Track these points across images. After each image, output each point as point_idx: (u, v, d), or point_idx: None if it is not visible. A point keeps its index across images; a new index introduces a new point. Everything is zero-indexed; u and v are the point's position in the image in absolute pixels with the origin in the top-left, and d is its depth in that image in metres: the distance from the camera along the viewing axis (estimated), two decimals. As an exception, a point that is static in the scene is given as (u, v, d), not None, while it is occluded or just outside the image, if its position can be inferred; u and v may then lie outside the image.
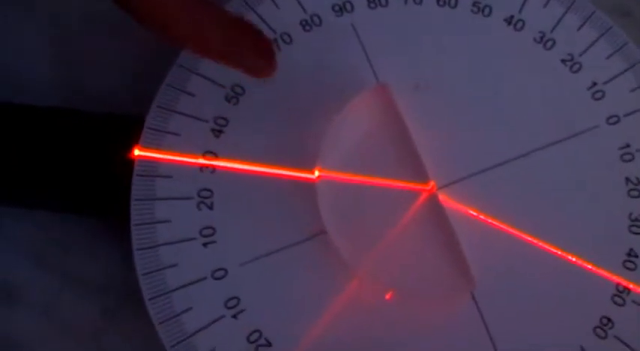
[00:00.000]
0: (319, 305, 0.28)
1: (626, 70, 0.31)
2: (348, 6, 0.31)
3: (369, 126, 0.29)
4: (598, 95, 0.31)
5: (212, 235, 0.28)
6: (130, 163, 0.29)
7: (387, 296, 0.28)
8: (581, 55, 0.31)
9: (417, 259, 0.28)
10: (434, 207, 0.28)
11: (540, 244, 0.29)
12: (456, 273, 0.28)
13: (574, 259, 0.29)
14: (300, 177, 0.28)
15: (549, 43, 0.31)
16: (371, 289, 0.28)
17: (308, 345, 0.27)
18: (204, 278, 0.28)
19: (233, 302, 0.28)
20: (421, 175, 0.29)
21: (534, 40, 0.31)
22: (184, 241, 0.28)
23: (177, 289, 0.28)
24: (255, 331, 0.27)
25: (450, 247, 0.28)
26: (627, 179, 0.30)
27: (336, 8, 0.31)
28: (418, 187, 0.29)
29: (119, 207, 0.29)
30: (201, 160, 0.29)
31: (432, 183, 0.29)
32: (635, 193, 0.30)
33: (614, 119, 0.31)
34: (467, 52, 0.31)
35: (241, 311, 0.28)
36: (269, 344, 0.27)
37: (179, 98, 0.30)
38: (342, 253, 0.27)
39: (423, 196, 0.29)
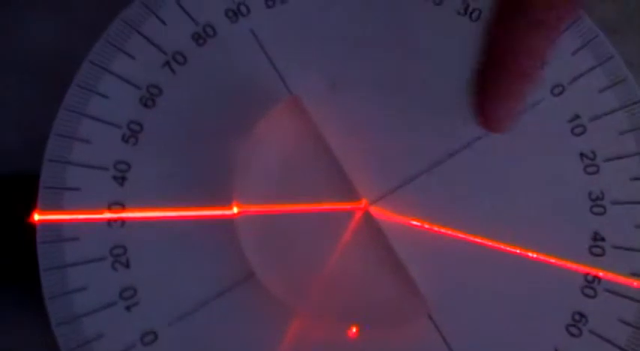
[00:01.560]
0: (263, 352, 0.25)
1: (566, 29, 0.28)
2: (244, 9, 0.27)
3: (285, 146, 0.26)
4: (537, 64, 0.27)
5: (134, 296, 0.26)
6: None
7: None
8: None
9: (361, 286, 0.26)
10: (370, 226, 0.26)
11: (494, 245, 0.26)
12: (406, 295, 0.25)
13: (534, 256, 0.26)
14: (217, 215, 0.25)
15: (475, 14, 0.28)
16: (317, 327, 0.25)
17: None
18: (134, 346, 0.25)
19: (169, 365, 0.25)
20: (351, 193, 0.26)
21: (457, 13, 0.28)
22: (105, 308, 0.26)
23: (107, 362, 0.25)
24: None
25: (394, 267, 0.25)
26: (582, 155, 0.27)
27: (230, 14, 0.27)
28: (349, 206, 0.26)
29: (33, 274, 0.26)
30: (108, 214, 0.26)
31: (363, 199, 0.26)
32: (593, 168, 0.27)
33: (559, 89, 0.27)
34: (383, 43, 0.27)
35: (180, 374, 0.25)
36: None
37: (72, 147, 0.27)
38: (275, 294, 0.25)
39: (357, 216, 0.26)
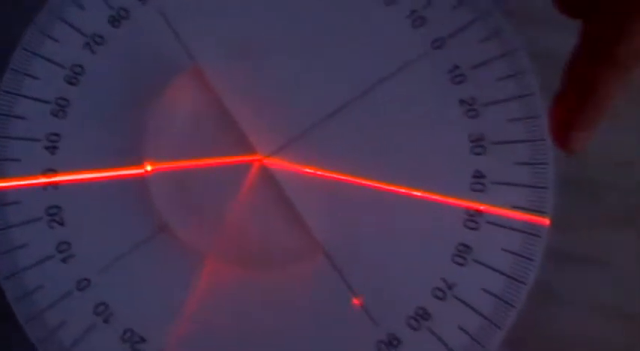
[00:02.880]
0: (181, 295, 0.28)
1: (445, -13, 0.30)
2: (152, -8, 0.31)
3: (189, 109, 0.29)
4: (418, 22, 0.30)
5: (69, 249, 0.29)
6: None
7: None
8: (394, -15, 0.30)
9: (262, 231, 0.29)
10: (266, 176, 0.29)
11: (383, 186, 0.29)
12: (301, 237, 0.28)
13: (419, 194, 0.29)
14: (132, 174, 0.29)
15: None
16: (226, 270, 0.28)
17: (180, 333, 0.28)
18: (71, 292, 0.29)
19: (102, 308, 0.29)
20: (248, 148, 0.29)
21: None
22: (44, 261, 0.29)
23: (48, 307, 0.29)
24: (127, 331, 0.29)
25: (290, 212, 0.28)
26: (462, 101, 0.29)
27: (141, -3, 0.31)
28: (247, 159, 0.29)
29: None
30: (43, 179, 0.30)
31: (258, 153, 0.29)
32: (473, 113, 0.29)
33: (439, 43, 0.30)
34: (278, 7, 0.30)
35: (111, 315, 0.29)
36: (143, 340, 0.28)
37: (9, 123, 0.30)
38: (186, 242, 0.28)
39: (254, 168, 0.29)
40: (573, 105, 0.27)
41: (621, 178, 0.32)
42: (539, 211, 0.29)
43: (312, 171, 0.29)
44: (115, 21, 0.31)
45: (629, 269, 0.31)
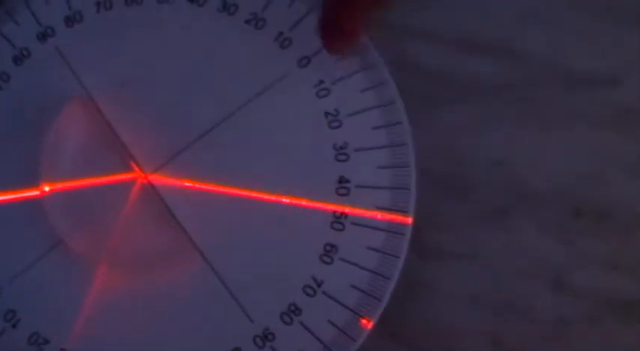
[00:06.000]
0: (78, 300, 0.31)
1: (308, 13, 0.33)
2: (50, 31, 0.34)
3: (82, 134, 0.33)
4: (285, 43, 0.33)
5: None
6: None
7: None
8: (263, 11, 0.33)
9: (145, 238, 0.32)
10: (149, 190, 0.32)
11: (254, 195, 0.31)
12: (181, 245, 0.31)
13: (287, 201, 0.31)
14: (30, 196, 0.32)
15: (232, 9, 0.33)
16: (115, 275, 0.31)
17: (78, 333, 0.31)
18: (-15, 303, 0.32)
19: (10, 315, 0.32)
20: (130, 166, 0.32)
21: (217, 9, 0.34)
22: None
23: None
24: (33, 334, 0.32)
25: (171, 223, 0.31)
26: (326, 113, 0.32)
27: (40, 36, 0.34)
28: (132, 176, 0.32)
29: None
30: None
31: (140, 171, 0.32)
32: (336, 123, 0.32)
33: (305, 61, 0.33)
34: (158, 43, 0.33)
35: (19, 320, 0.32)
36: (47, 341, 0.32)
37: None
38: (79, 253, 0.31)
39: (138, 184, 0.32)
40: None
41: (492, 177, 0.34)
42: (402, 211, 0.31)
43: (190, 184, 0.32)
44: (17, 59, 0.34)
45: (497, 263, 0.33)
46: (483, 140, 0.34)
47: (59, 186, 0.32)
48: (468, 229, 0.34)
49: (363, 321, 0.30)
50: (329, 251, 0.31)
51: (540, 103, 0.35)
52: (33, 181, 0.32)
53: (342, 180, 0.31)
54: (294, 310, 0.31)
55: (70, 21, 0.34)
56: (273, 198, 0.31)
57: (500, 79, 0.36)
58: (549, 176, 0.34)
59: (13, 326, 0.32)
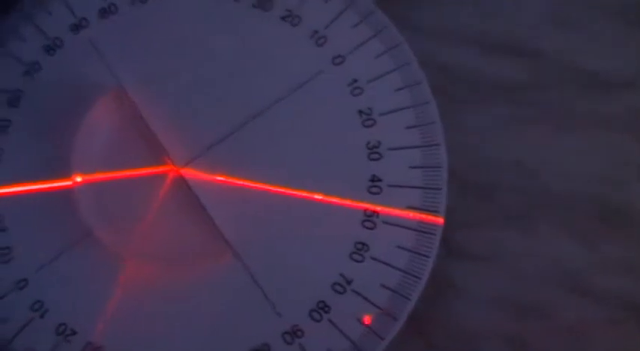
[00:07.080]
0: (105, 292, 0.31)
1: (344, 11, 0.33)
2: (84, 22, 0.34)
3: (114, 126, 0.33)
4: (321, 41, 0.33)
5: (9, 253, 0.33)
6: None
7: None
8: (299, 7, 0.33)
9: (176, 233, 0.32)
10: (180, 184, 0.32)
11: (286, 191, 0.31)
12: (212, 239, 0.31)
13: (319, 198, 0.31)
14: (63, 186, 0.32)
15: (268, 5, 0.34)
16: (144, 269, 0.31)
17: (106, 325, 0.31)
18: (11, 291, 0.32)
19: (38, 305, 0.32)
20: (162, 159, 0.32)
21: (252, 5, 0.34)
22: (-12, 264, 0.33)
23: (-7, 306, 0.32)
24: (61, 325, 0.32)
25: (202, 217, 0.31)
26: (360, 111, 0.32)
27: (74, 27, 0.34)
28: (164, 169, 0.32)
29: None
30: (-15, 191, 0.33)
31: (172, 164, 0.32)
32: (369, 122, 0.32)
33: (340, 59, 0.33)
34: (189, 36, 0.33)
35: (46, 311, 0.32)
36: (74, 333, 0.32)
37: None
38: (108, 245, 0.31)
39: (170, 177, 0.32)
40: None
41: (515, 179, 0.34)
42: (433, 211, 0.31)
43: (222, 179, 0.32)
44: (50, 49, 0.34)
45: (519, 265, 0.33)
46: (507, 142, 0.35)
47: (91, 177, 0.32)
48: (492, 230, 0.34)
49: (392, 320, 0.30)
50: (360, 249, 0.31)
51: (564, 105, 0.35)
52: (64, 172, 0.32)
53: (374, 178, 0.32)
54: (323, 307, 0.31)
55: (104, 13, 0.34)
56: (304, 195, 0.31)
57: (525, 81, 0.36)
58: (572, 178, 0.34)
59: (41, 316, 0.32)
